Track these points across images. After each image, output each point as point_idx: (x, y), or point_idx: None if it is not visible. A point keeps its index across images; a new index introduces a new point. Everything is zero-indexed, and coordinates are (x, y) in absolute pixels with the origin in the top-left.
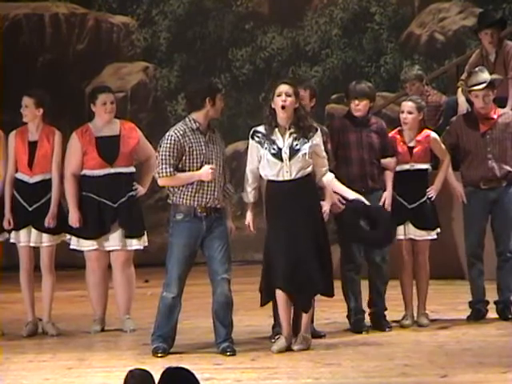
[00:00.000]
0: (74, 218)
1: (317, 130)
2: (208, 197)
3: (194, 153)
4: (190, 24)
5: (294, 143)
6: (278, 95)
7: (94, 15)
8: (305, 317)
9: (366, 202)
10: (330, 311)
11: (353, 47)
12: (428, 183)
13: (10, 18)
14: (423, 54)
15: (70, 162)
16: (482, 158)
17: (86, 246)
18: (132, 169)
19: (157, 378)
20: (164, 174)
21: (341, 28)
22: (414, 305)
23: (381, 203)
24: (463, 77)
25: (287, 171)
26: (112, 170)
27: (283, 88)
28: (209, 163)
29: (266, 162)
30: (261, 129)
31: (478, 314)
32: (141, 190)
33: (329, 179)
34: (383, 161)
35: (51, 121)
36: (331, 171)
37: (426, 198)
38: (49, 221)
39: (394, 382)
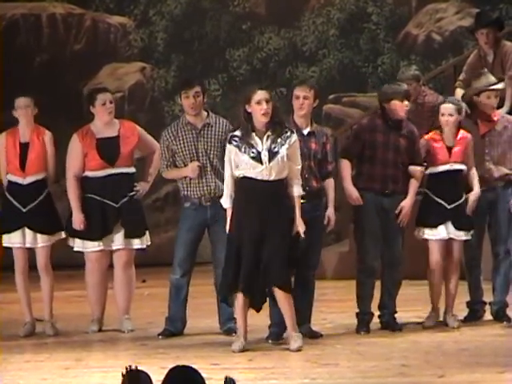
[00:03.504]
0: (77, 221)
1: (293, 132)
2: (208, 187)
3: (184, 148)
4: (187, 24)
5: (272, 146)
6: (258, 103)
7: (91, 15)
8: (287, 318)
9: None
10: (327, 311)
11: (350, 47)
12: (464, 184)
13: (7, 18)
14: (420, 54)
15: (72, 164)
16: (480, 160)
17: (92, 246)
18: (132, 169)
19: (154, 378)
20: (161, 170)
21: (338, 28)
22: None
23: (397, 211)
24: (461, 77)
25: (267, 174)
26: (113, 171)
27: (262, 95)
28: (199, 157)
29: (246, 165)
30: (237, 133)
31: (475, 315)
32: (143, 185)
33: (295, 194)
34: (410, 168)
35: (48, 121)
36: (329, 173)
37: (463, 198)
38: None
39: (391, 382)
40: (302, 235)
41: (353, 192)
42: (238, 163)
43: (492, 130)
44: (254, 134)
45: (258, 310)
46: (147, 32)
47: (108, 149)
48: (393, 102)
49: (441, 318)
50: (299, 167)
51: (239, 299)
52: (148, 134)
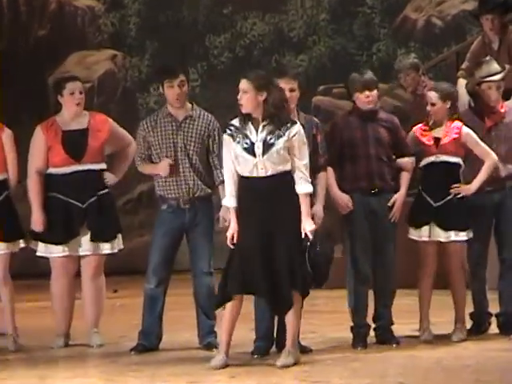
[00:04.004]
0: (37, 221)
1: (295, 123)
2: (186, 186)
3: (162, 141)
4: (163, 8)
5: (268, 137)
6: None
7: None
8: (290, 328)
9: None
10: (317, 324)
11: (342, 33)
12: (459, 180)
13: None
14: (419, 40)
15: (34, 159)
16: None
17: (56, 251)
18: (102, 165)
19: None
20: (136, 164)
21: (329, 12)
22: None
23: (389, 204)
24: (464, 66)
25: (262, 168)
26: (80, 167)
27: (240, 84)
28: (176, 152)
29: (238, 157)
30: (235, 122)
31: (479, 327)
32: (111, 177)
33: (300, 192)
34: (399, 160)
35: (9, 117)
36: (321, 167)
37: (452, 195)
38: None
39: None
40: (310, 235)
41: (342, 198)
42: (235, 154)
43: (499, 124)
44: (250, 122)
45: (281, 315)
46: (118, 16)
47: (74, 143)
48: (355, 95)
49: (439, 331)
50: (304, 162)
51: (227, 310)
52: (121, 128)
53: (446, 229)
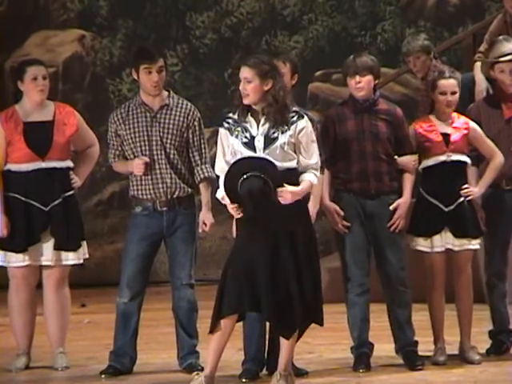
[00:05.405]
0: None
1: (302, 116)
2: (164, 185)
3: (135, 134)
4: None
5: (271, 131)
6: (241, 80)
7: None
8: (285, 348)
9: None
10: (313, 343)
11: (342, 11)
12: (466, 180)
13: None
14: (431, 19)
15: None
16: (505, 151)
17: (16, 261)
18: (68, 163)
19: None
20: (110, 160)
21: None
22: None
23: (391, 208)
24: (482, 48)
25: None
26: (43, 165)
27: (242, 72)
28: (151, 146)
29: (236, 153)
30: (233, 114)
31: (499, 347)
32: (76, 180)
33: (305, 179)
34: (400, 160)
35: None
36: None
37: (463, 197)
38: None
39: None
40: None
41: (331, 211)
42: (231, 150)
43: None
44: (250, 115)
45: (287, 338)
46: None
47: (38, 136)
48: (347, 81)
49: (455, 351)
50: (313, 161)
51: (221, 326)
52: (87, 126)
53: (460, 236)
